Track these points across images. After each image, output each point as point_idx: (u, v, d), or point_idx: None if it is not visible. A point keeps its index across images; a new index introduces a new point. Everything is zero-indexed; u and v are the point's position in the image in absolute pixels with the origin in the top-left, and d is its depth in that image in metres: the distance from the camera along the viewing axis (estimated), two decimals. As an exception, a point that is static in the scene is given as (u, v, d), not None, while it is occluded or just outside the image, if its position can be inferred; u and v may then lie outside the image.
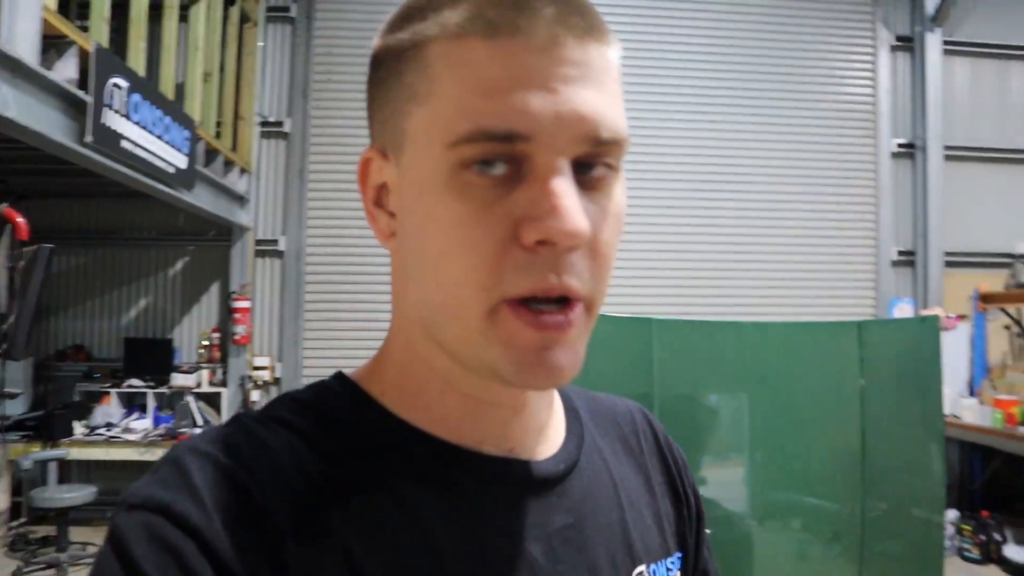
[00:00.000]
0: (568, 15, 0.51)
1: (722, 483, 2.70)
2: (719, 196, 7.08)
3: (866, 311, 7.16)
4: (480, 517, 0.56)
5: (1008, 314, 6.27)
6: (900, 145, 7.44)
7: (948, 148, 7.40)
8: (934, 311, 6.28)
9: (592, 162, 0.52)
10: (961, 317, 6.75)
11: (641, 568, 0.64)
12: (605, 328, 2.72)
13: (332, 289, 6.63)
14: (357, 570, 0.51)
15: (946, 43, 7.49)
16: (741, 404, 2.61)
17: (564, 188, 0.49)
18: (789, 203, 7.16)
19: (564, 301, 0.51)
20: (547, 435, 0.64)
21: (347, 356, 6.51)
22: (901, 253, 7.35)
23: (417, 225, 0.53)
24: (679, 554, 0.70)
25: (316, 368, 6.55)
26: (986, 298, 6.07)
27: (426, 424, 0.58)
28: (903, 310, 6.54)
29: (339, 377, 0.62)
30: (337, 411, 0.58)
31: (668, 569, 0.67)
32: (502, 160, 0.49)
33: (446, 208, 0.50)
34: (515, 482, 0.59)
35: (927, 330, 2.73)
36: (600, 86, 0.51)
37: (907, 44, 7.53)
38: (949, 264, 7.30)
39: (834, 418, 2.70)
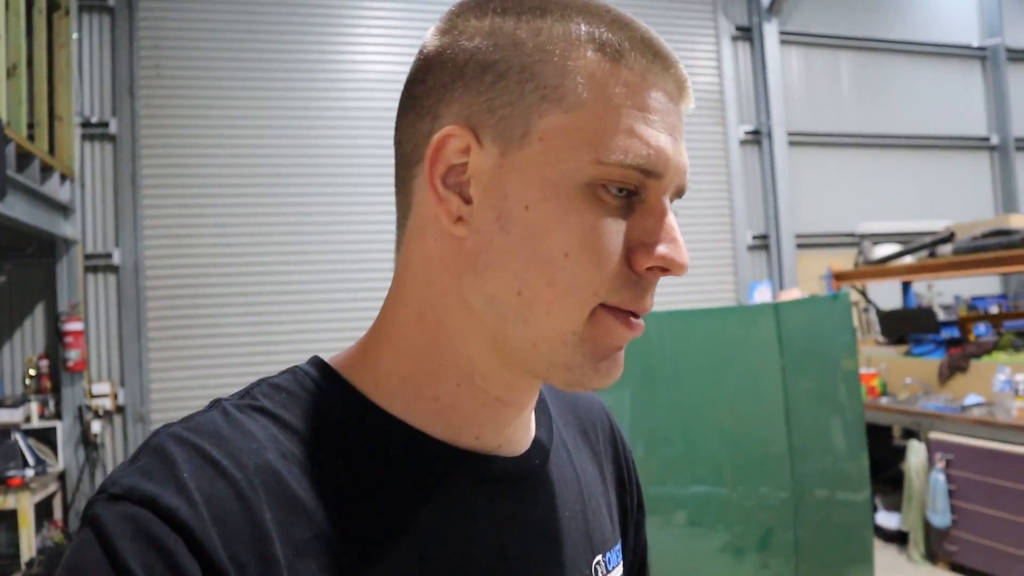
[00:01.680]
0: (684, 79, 0.58)
1: (653, 479, 2.60)
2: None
3: (728, 295, 7.36)
4: (463, 511, 0.57)
5: (858, 290, 6.58)
6: (747, 132, 7.68)
7: (791, 134, 7.73)
8: (792, 291, 6.50)
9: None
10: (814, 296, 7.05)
11: (598, 557, 0.67)
12: None
13: (178, 303, 6.05)
14: (342, 562, 0.51)
15: (782, 33, 7.81)
16: (667, 395, 2.51)
17: (676, 225, 0.56)
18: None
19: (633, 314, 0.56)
20: (526, 428, 0.66)
21: (199, 375, 5.98)
22: (755, 237, 7.60)
23: (536, 221, 0.53)
24: (620, 543, 0.73)
25: (165, 391, 5.97)
26: (839, 276, 6.34)
27: (421, 418, 0.58)
28: (763, 292, 6.74)
29: (319, 366, 0.61)
30: (323, 404, 0.57)
31: (616, 557, 0.70)
32: (627, 187, 0.54)
33: (581, 214, 0.53)
34: (498, 477, 0.60)
35: (839, 307, 2.74)
36: (683, 143, 0.58)
37: (746, 34, 7.79)
38: (800, 246, 7.62)
39: (758, 403, 2.66)
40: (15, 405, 5.67)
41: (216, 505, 0.48)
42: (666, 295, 6.94)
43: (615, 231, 0.54)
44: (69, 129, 5.80)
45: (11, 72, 4.76)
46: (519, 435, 0.64)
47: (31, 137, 5.16)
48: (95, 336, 5.98)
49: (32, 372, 5.86)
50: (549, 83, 0.54)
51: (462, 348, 0.58)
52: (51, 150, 5.54)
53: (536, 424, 0.68)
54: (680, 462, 2.64)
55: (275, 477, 0.51)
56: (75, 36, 5.94)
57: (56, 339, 5.82)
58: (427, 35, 0.61)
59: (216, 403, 0.56)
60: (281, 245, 6.24)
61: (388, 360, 0.60)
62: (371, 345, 0.62)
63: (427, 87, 0.58)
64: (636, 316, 0.56)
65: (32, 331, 5.99)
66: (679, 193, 0.58)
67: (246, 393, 0.58)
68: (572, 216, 0.53)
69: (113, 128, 6.05)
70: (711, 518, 2.65)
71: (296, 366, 0.61)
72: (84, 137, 6.04)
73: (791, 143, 7.72)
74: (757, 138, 7.73)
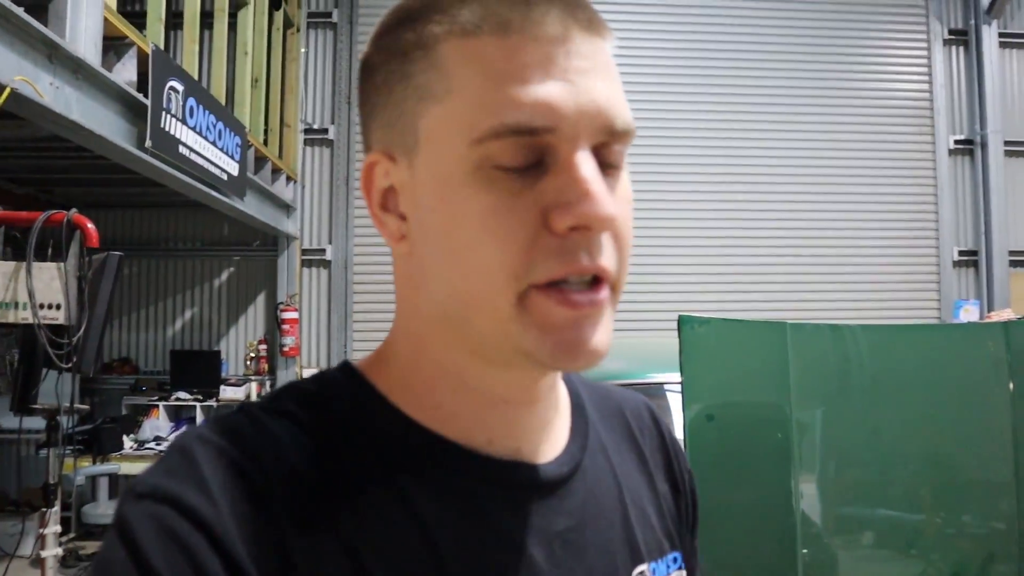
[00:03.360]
0: (575, 10, 0.53)
1: (842, 499, 2.54)
2: (775, 197, 6.90)
3: (930, 313, 6.94)
4: (482, 519, 0.56)
5: (1084, 313, 6.02)
6: (957, 142, 7.22)
7: (1008, 143, 7.18)
8: (1004, 312, 6.04)
9: (605, 152, 0.53)
10: (1029, 318, 6.51)
11: (643, 567, 0.65)
12: (737, 333, 2.57)
13: (380, 299, 6.49)
14: (360, 566, 0.51)
15: (1001, 35, 7.28)
16: (866, 414, 2.45)
17: (594, 174, 0.51)
18: (846, 203, 6.97)
19: (594, 282, 0.52)
20: (552, 434, 0.64)
21: (397, 366, 6.38)
22: (962, 253, 7.12)
23: (441, 222, 0.53)
24: (679, 553, 0.71)
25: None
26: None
27: (433, 422, 0.58)
28: (969, 312, 6.32)
29: (346, 370, 0.61)
30: (344, 406, 0.58)
31: (668, 567, 0.68)
32: (526, 151, 0.51)
33: (476, 200, 0.51)
34: (519, 485, 0.59)
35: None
36: (609, 78, 0.54)
37: (961, 37, 7.32)
38: (1014, 263, 7.06)
39: (981, 426, 2.52)
40: (238, 384, 6.32)
41: (237, 503, 0.49)
42: (861, 311, 6.65)
43: (518, 205, 0.51)
44: (294, 135, 6.41)
45: (255, 84, 5.34)
46: (537, 437, 0.62)
47: (265, 142, 5.75)
48: (307, 325, 6.53)
49: (252, 355, 6.50)
50: (420, 82, 0.54)
51: (445, 358, 0.58)
52: (280, 154, 6.14)
53: (572, 430, 0.66)
54: (872, 484, 2.54)
55: (295, 477, 0.52)
56: (303, 50, 6.56)
57: (275, 326, 6.43)
58: None
59: (243, 406, 0.57)
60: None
61: (396, 369, 0.61)
62: (383, 354, 0.63)
63: (360, 120, 0.60)
64: (594, 287, 0.52)
65: (254, 318, 6.65)
66: (613, 137, 0.53)
67: (274, 397, 0.59)
68: (467, 206, 0.52)
69: (331, 134, 6.61)
70: (902, 543, 2.54)
71: (324, 370, 0.62)
72: (306, 142, 6.63)
73: (1007, 153, 7.17)
74: (969, 148, 7.24)
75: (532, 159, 0.51)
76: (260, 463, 0.51)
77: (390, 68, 0.56)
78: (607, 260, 0.53)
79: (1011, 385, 2.40)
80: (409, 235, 0.56)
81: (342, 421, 0.57)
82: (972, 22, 7.26)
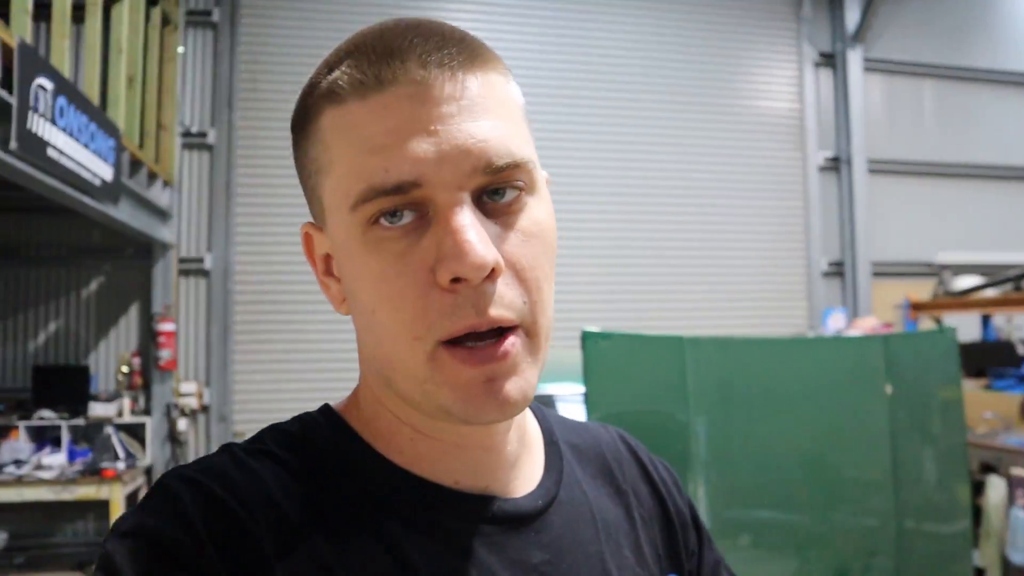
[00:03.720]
0: (434, 53, 0.51)
1: (722, 504, 2.64)
2: (658, 212, 7.09)
3: (800, 320, 7.31)
4: (459, 554, 0.56)
5: (937, 321, 6.48)
6: (826, 159, 7.64)
7: (871, 161, 7.66)
8: (867, 320, 6.44)
9: (499, 188, 0.52)
10: (888, 325, 6.95)
11: None
12: (637, 347, 2.62)
13: (263, 309, 6.28)
14: None
15: (866, 60, 7.76)
16: (747, 422, 2.55)
17: (464, 223, 0.50)
18: (724, 217, 7.24)
19: (500, 333, 0.52)
20: (523, 470, 0.64)
21: (280, 379, 6.19)
22: (830, 264, 7.54)
23: (349, 287, 0.55)
24: (673, 575, 0.72)
25: (247, 393, 6.20)
26: (916, 307, 6.25)
27: (403, 463, 0.59)
28: (837, 320, 6.68)
29: (325, 412, 0.63)
30: (324, 446, 0.59)
31: None
32: (406, 209, 0.51)
33: (365, 266, 0.52)
34: (491, 519, 0.59)
35: (946, 340, 2.77)
36: (485, 114, 0.52)
37: (829, 60, 7.76)
38: (876, 274, 7.53)
39: (862, 430, 2.69)
40: (109, 400, 5.96)
41: (219, 538, 0.49)
42: (739, 319, 6.94)
43: (406, 266, 0.51)
44: (172, 139, 6.11)
45: (130, 84, 5.05)
46: (505, 476, 0.63)
47: (140, 145, 5.46)
48: (184, 337, 6.24)
49: (125, 369, 6.15)
50: (313, 155, 0.56)
51: (397, 410, 0.59)
52: (156, 158, 5.84)
53: (546, 465, 0.67)
54: (751, 487, 2.66)
55: (277, 512, 0.52)
56: (181, 50, 6.26)
57: (149, 338, 6.11)
58: None
59: (226, 447, 0.58)
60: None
61: (363, 414, 0.62)
62: (354, 398, 0.65)
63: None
64: (499, 339, 0.52)
65: (127, 330, 6.29)
66: (495, 174, 0.52)
67: (255, 439, 0.60)
68: (362, 272, 0.53)
69: (211, 138, 6.34)
70: (780, 543, 2.68)
71: (305, 412, 0.64)
72: (184, 146, 6.34)
73: (871, 171, 7.65)
74: (836, 165, 7.68)
75: (415, 217, 0.51)
76: (244, 501, 0.52)
77: (299, 145, 0.58)
78: (502, 309, 0.51)
79: (888, 389, 2.59)
80: (347, 298, 0.58)
81: (322, 461, 0.58)
82: (839, 46, 7.71)
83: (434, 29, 0.54)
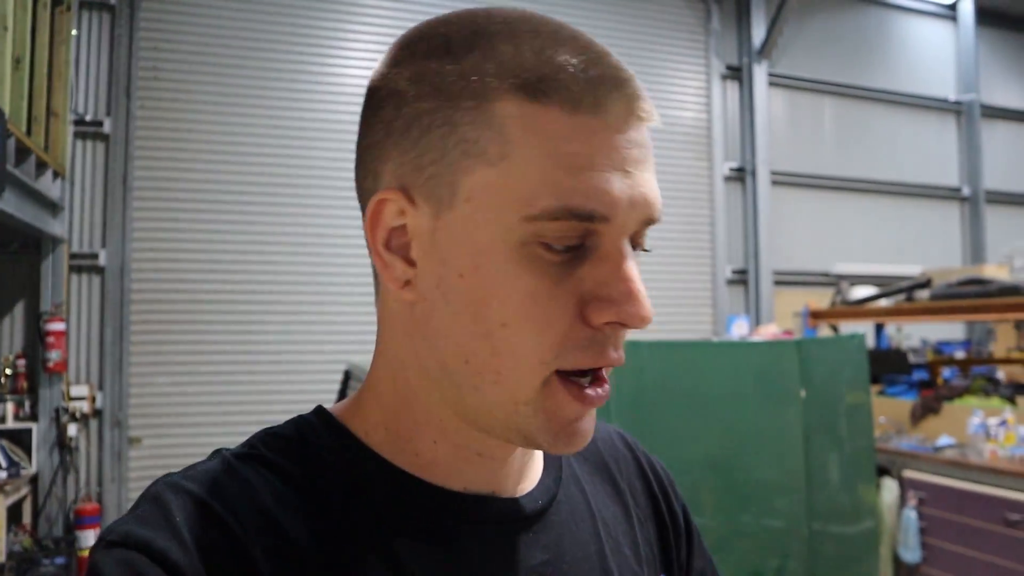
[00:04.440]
0: (635, 97, 0.51)
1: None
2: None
3: (706, 327, 7.48)
4: (457, 555, 0.56)
5: (834, 329, 6.74)
6: (732, 169, 7.86)
7: (774, 173, 7.92)
8: (769, 327, 6.64)
9: (636, 238, 0.54)
10: (789, 332, 7.20)
11: None
12: None
13: (162, 308, 5.99)
14: None
15: (770, 75, 8.02)
16: (695, 425, 2.57)
17: (635, 273, 0.51)
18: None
19: (598, 371, 0.53)
20: (526, 471, 0.64)
21: (181, 382, 5.92)
22: (735, 272, 7.75)
23: (471, 290, 0.51)
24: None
25: (144, 396, 5.89)
26: (815, 315, 6.49)
27: (410, 467, 0.58)
28: (740, 327, 6.86)
29: (320, 413, 0.61)
30: (320, 450, 0.58)
31: None
32: (576, 237, 0.50)
33: (517, 280, 0.50)
34: (494, 520, 0.59)
35: (855, 346, 2.86)
36: (653, 167, 0.54)
37: (736, 74, 7.98)
38: (778, 283, 7.79)
39: (776, 431, 2.75)
40: (-11, 404, 5.57)
41: (209, 548, 0.49)
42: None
43: (559, 291, 0.50)
44: (63, 126, 5.75)
45: (17, 64, 4.73)
46: (512, 480, 0.63)
47: (29, 132, 5.12)
48: (76, 337, 5.90)
49: (8, 371, 5.76)
50: (470, 136, 0.50)
51: (433, 410, 0.57)
52: (46, 146, 5.49)
53: (546, 464, 0.67)
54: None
55: (268, 520, 0.52)
56: (74, 32, 5.91)
57: (36, 339, 5.73)
58: (372, 75, 0.59)
59: (217, 453, 0.57)
60: (271, 253, 6.23)
61: (374, 412, 0.60)
62: (363, 395, 0.62)
63: (365, 144, 0.57)
64: (598, 381, 0.53)
65: (11, 330, 5.89)
66: (648, 225, 0.54)
67: (247, 444, 0.59)
68: (507, 283, 0.50)
69: (107, 128, 6.01)
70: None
71: (300, 415, 0.62)
72: (77, 135, 5.99)
73: (773, 182, 7.91)
74: (741, 175, 7.90)
75: (576, 243, 0.50)
76: (234, 509, 0.51)
77: (428, 107, 0.52)
78: (621, 352, 0.53)
79: (803, 393, 2.67)
80: (416, 284, 0.54)
81: (317, 465, 0.57)
82: (745, 61, 7.94)
83: (629, 70, 0.53)
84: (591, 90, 0.49)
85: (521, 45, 0.51)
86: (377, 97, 0.55)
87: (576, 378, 0.52)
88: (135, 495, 5.73)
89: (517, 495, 0.62)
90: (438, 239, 0.52)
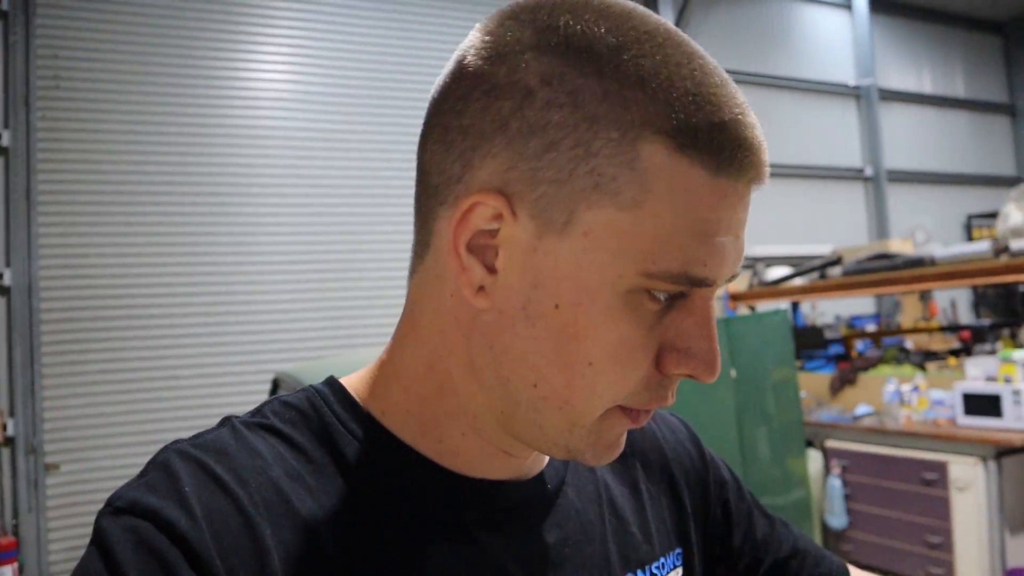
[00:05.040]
0: (764, 164, 0.50)
1: None
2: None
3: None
4: (474, 543, 0.56)
5: (752, 309, 6.95)
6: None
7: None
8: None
9: None
10: (711, 315, 7.39)
11: None
12: None
13: (75, 327, 5.75)
14: None
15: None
16: None
17: (716, 331, 0.51)
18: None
19: None
20: (539, 456, 0.64)
21: (98, 403, 5.70)
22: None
23: (565, 322, 0.49)
24: (678, 550, 0.71)
25: (60, 420, 5.65)
26: (735, 296, 6.68)
27: (431, 453, 0.57)
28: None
29: (333, 385, 0.59)
30: (333, 425, 0.56)
31: (661, 569, 0.68)
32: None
33: (616, 325, 0.49)
34: (510, 506, 0.59)
35: (780, 322, 2.94)
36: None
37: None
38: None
39: (710, 411, 2.81)
40: None
41: (216, 519, 0.48)
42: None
43: (648, 341, 0.50)
44: (-43, 141, 5.47)
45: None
46: (526, 467, 0.63)
47: (-82, 148, 4.85)
48: (-19, 361, 5.61)
49: (-92, 401, 5.45)
50: (606, 171, 0.47)
51: (469, 405, 0.56)
52: (-62, 163, 5.21)
53: None
54: None
55: (278, 494, 0.51)
56: (-35, 43, 5.63)
57: (-62, 365, 5.44)
58: (469, 42, 0.53)
59: (226, 420, 0.56)
60: (187, 267, 6.05)
61: (397, 394, 0.58)
62: (384, 373, 0.60)
63: (463, 124, 0.51)
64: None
65: (-91, 356, 5.57)
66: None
67: (257, 411, 0.57)
68: (606, 325, 0.49)
69: (5, 140, 5.73)
70: None
71: (311, 385, 0.60)
72: (-28, 150, 5.70)
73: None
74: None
75: (672, 296, 0.50)
76: (241, 478, 0.50)
77: (561, 120, 0.47)
78: None
79: (733, 372, 2.73)
80: (492, 294, 0.52)
81: (330, 440, 0.56)
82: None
83: (762, 134, 0.51)
84: (736, 154, 0.48)
85: (674, 78, 0.47)
86: (492, 83, 0.49)
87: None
88: (55, 524, 5.50)
89: (527, 477, 0.62)
90: (537, 261, 0.49)
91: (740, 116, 0.49)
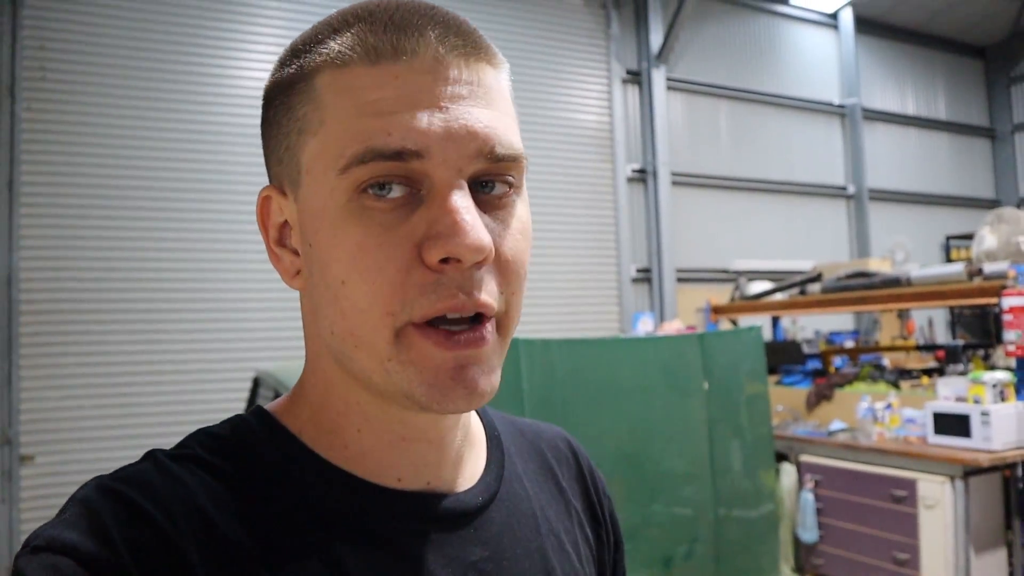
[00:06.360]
0: (452, 37, 0.52)
1: None
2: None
3: (613, 324, 7.66)
4: (397, 557, 0.55)
5: (734, 323, 7.02)
6: (634, 170, 8.07)
7: (674, 174, 8.18)
8: (673, 323, 6.86)
9: (491, 180, 0.53)
10: (692, 327, 7.45)
11: None
12: None
13: (55, 319, 5.72)
14: None
15: (668, 79, 8.29)
16: (605, 419, 2.64)
17: (464, 204, 0.49)
18: (537, 224, 7.43)
19: (476, 320, 0.51)
20: (466, 466, 0.64)
21: (77, 395, 5.66)
22: (639, 270, 7.97)
23: (319, 256, 0.52)
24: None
25: (37, 412, 5.61)
26: (716, 310, 6.74)
27: (344, 462, 0.57)
28: (646, 323, 7.07)
29: (257, 412, 0.60)
30: (255, 448, 0.57)
31: None
32: (398, 183, 0.50)
33: (345, 234, 0.50)
34: (432, 517, 0.58)
35: (753, 338, 2.99)
36: (491, 104, 0.53)
37: (636, 78, 8.21)
38: (680, 280, 8.05)
39: (683, 423, 2.85)
40: None
41: (139, 549, 0.47)
42: (551, 324, 7.16)
43: (389, 238, 0.50)
44: (-59, 129, 5.44)
45: None
46: (449, 471, 0.62)
47: (-98, 136, 4.81)
48: (-42, 352, 5.57)
49: None
50: (300, 115, 0.53)
51: (348, 395, 0.57)
52: (-79, 150, 5.17)
53: (488, 461, 0.67)
54: None
55: (203, 520, 0.50)
56: (-49, 31, 5.59)
57: (-86, 354, 5.40)
58: None
59: (149, 455, 0.56)
60: (168, 259, 6.04)
61: (303, 408, 0.60)
62: (296, 393, 0.62)
63: (262, 148, 0.60)
64: (474, 328, 0.52)
65: None
66: (493, 163, 0.52)
67: (181, 444, 0.57)
68: (339, 240, 0.50)
69: (-11, 131, 5.71)
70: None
71: (237, 414, 0.61)
72: (-45, 139, 5.66)
73: (674, 183, 8.17)
74: (643, 176, 8.13)
75: (407, 192, 0.50)
76: (165, 507, 0.49)
77: (278, 102, 0.55)
78: (487, 295, 0.51)
79: (706, 385, 2.78)
80: (302, 271, 0.55)
81: (255, 467, 0.56)
82: (644, 65, 8.17)
83: (450, 15, 0.54)
84: (390, 39, 0.51)
85: (343, 28, 0.53)
86: (262, 109, 0.59)
87: (446, 327, 0.51)
88: (28, 516, 5.46)
89: (456, 490, 0.61)
90: (300, 219, 0.54)
91: (396, 10, 0.52)
